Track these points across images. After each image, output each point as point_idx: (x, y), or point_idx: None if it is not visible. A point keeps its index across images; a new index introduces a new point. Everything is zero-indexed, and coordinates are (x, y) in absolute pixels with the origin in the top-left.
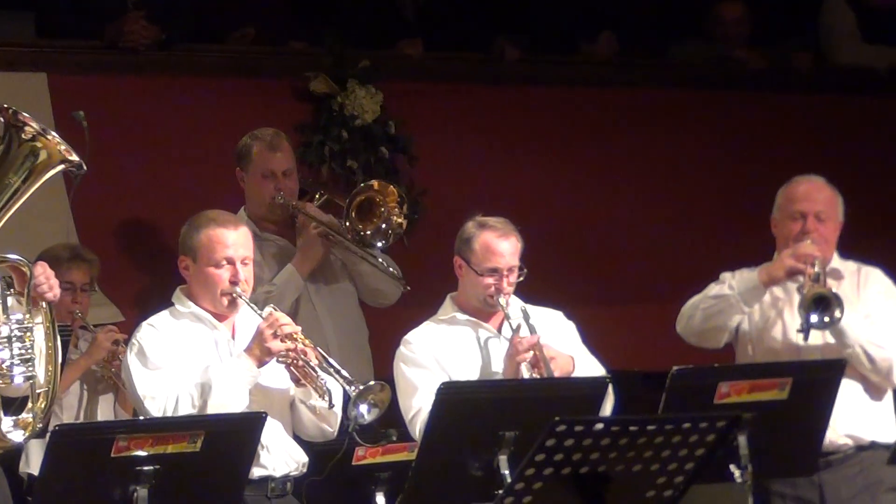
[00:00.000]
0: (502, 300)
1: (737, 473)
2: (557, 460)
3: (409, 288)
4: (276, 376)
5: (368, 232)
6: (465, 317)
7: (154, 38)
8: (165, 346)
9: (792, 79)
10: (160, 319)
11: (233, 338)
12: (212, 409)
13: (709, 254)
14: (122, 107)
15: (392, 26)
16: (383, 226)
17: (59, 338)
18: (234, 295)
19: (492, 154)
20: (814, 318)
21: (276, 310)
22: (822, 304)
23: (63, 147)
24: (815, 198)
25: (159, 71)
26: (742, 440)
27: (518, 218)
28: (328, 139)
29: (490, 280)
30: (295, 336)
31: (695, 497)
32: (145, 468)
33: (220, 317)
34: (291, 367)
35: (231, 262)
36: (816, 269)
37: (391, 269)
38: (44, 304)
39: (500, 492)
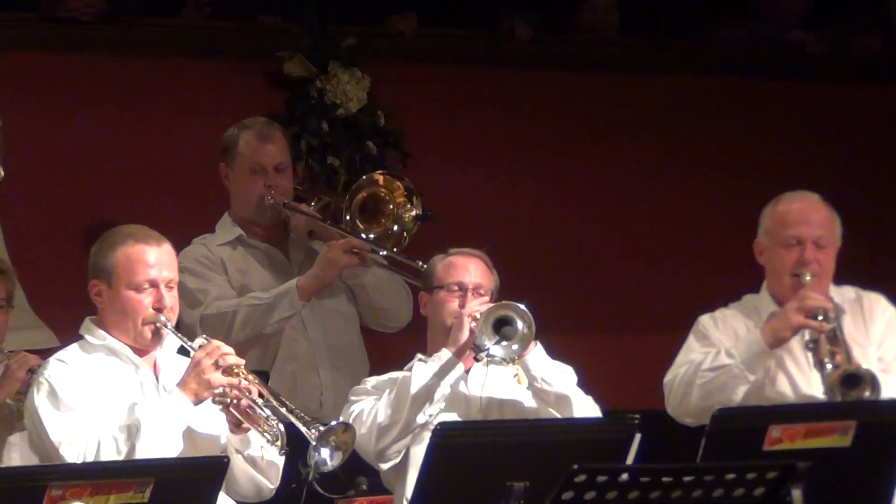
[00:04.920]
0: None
1: None
2: None
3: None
4: (204, 420)
5: (374, 236)
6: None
7: (98, 9)
8: (78, 383)
9: (857, 65)
10: (69, 354)
11: (154, 375)
12: (140, 454)
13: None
14: (60, 89)
15: None
16: (395, 227)
17: None
18: (159, 324)
19: (497, 150)
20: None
21: (209, 339)
22: (852, 382)
23: None
24: (812, 220)
25: (104, 48)
26: (797, 495)
27: (523, 228)
28: (305, 132)
29: (453, 297)
30: (237, 370)
31: None
32: None
33: (139, 351)
34: (231, 409)
35: (154, 284)
36: (832, 323)
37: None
38: None
39: None
